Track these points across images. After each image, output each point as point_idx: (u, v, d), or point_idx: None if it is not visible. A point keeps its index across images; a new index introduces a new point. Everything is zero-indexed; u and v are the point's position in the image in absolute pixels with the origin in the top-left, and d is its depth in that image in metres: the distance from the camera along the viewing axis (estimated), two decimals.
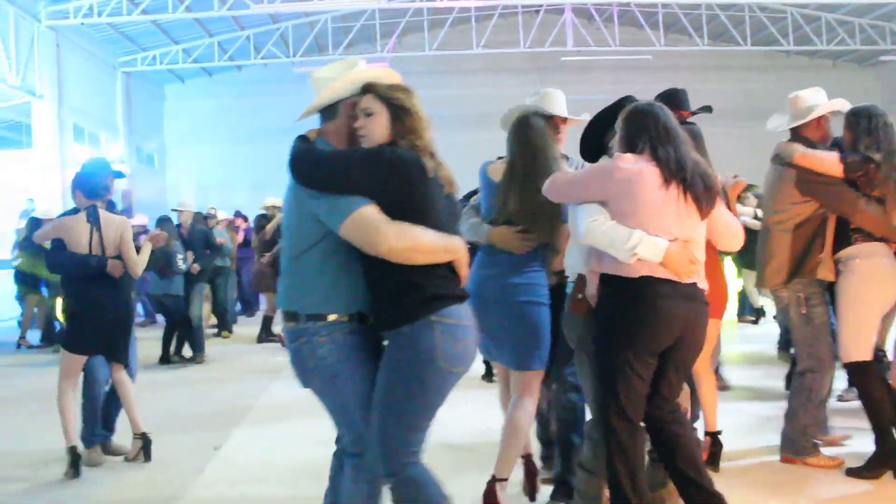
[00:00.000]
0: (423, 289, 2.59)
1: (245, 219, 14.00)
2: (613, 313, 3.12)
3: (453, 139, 22.00)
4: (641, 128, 3.12)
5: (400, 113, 2.66)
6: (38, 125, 16.57)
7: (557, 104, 3.81)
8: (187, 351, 8.99)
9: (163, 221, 8.97)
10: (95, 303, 4.76)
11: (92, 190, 4.84)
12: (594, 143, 3.60)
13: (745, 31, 20.70)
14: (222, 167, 21.63)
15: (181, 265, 8.62)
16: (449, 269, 2.66)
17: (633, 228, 2.99)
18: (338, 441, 2.88)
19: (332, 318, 2.64)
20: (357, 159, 2.61)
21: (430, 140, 2.70)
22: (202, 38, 20.15)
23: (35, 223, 9.51)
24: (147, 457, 4.88)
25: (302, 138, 2.74)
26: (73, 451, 4.61)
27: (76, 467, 4.59)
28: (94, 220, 4.76)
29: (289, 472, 4.61)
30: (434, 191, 2.65)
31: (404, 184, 2.59)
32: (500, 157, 3.73)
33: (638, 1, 17.80)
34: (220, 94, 22.89)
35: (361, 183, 2.55)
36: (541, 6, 19.87)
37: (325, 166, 2.59)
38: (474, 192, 4.61)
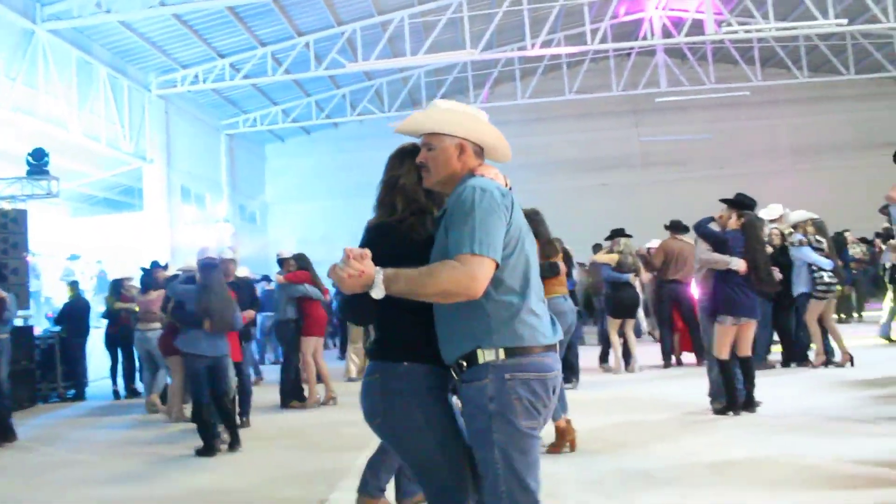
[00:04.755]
0: None
1: None
2: None
3: (550, 185, 22.11)
4: None
5: None
6: (149, 188, 17.35)
7: None
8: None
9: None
10: None
11: None
12: None
13: (848, 60, 19.99)
14: (323, 222, 22.05)
15: None
16: None
17: None
18: None
19: None
20: None
21: None
22: (300, 98, 20.85)
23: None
24: None
25: None
26: None
27: None
28: None
29: None
30: None
31: None
32: None
33: (732, 37, 17.43)
34: (319, 152, 23.56)
35: None
36: (632, 49, 19.70)
37: None
38: None
